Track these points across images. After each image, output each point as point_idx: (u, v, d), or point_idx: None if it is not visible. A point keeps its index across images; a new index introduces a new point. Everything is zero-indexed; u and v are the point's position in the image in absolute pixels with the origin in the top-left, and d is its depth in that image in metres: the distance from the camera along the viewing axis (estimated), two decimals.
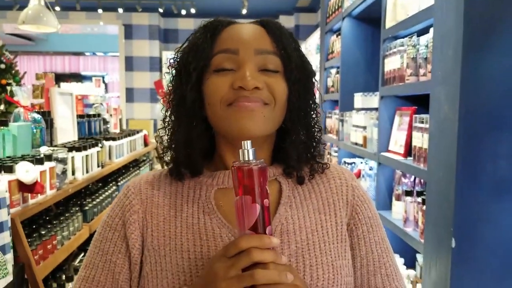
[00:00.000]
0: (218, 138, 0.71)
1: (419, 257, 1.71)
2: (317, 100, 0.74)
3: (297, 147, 0.70)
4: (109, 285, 0.67)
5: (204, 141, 0.69)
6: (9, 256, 1.21)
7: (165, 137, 0.72)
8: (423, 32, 1.62)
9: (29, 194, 1.47)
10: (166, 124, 0.71)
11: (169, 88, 0.71)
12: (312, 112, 0.72)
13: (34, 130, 1.87)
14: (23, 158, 1.54)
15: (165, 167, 0.75)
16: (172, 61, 0.72)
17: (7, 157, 1.61)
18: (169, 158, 0.72)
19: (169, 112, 0.71)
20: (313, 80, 0.73)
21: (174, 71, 0.71)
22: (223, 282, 0.53)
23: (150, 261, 0.66)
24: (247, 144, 0.56)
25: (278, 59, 0.67)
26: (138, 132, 3.23)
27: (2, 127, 1.65)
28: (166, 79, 0.74)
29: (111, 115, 3.11)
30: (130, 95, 7.62)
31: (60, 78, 9.22)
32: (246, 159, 0.56)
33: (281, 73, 0.68)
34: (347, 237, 0.71)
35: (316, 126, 0.73)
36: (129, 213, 0.68)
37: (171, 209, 0.68)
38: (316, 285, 0.65)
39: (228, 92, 0.65)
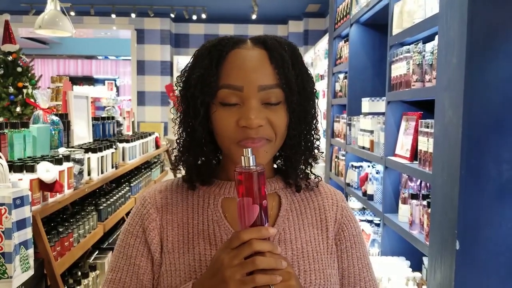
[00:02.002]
0: (226, 156, 0.77)
1: (425, 260, 1.73)
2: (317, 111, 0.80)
3: (297, 167, 0.78)
4: (134, 285, 0.74)
5: (213, 158, 0.77)
6: (31, 251, 1.27)
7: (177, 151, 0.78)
8: (428, 39, 1.66)
9: (49, 193, 1.54)
10: (178, 142, 0.77)
11: (178, 109, 0.76)
12: (313, 132, 0.78)
13: (53, 132, 1.94)
14: (43, 158, 1.60)
15: (176, 176, 0.82)
16: (179, 79, 0.76)
17: (28, 157, 1.68)
18: (182, 170, 0.78)
19: (180, 131, 0.77)
20: (314, 98, 0.77)
21: (180, 93, 0.75)
22: (228, 270, 0.60)
23: (165, 262, 0.73)
24: (248, 151, 0.62)
25: (280, 91, 0.71)
26: (150, 134, 3.29)
27: (23, 129, 1.72)
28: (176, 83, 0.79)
29: (124, 117, 3.18)
30: (142, 98, 7.73)
31: (73, 81, 9.38)
32: (247, 165, 0.62)
33: (282, 103, 0.72)
34: (335, 250, 0.79)
35: (315, 142, 0.79)
36: (148, 221, 0.75)
37: (183, 216, 0.76)
38: None
39: (235, 130, 0.70)
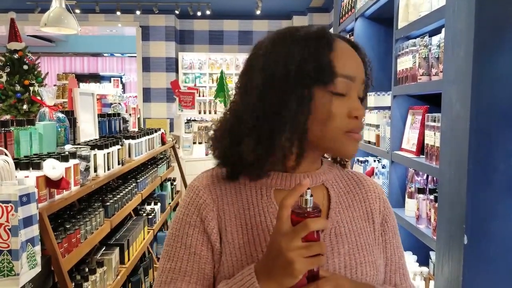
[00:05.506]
0: (309, 146, 0.74)
1: (432, 255, 1.72)
2: None
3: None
4: (195, 274, 0.73)
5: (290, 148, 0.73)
6: (38, 248, 1.28)
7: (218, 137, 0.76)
8: (435, 32, 1.64)
9: (55, 190, 1.54)
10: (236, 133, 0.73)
11: (252, 91, 0.71)
12: None
13: (59, 129, 1.95)
14: (49, 155, 1.61)
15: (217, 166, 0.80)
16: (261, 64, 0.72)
17: (34, 154, 1.69)
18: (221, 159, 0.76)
19: (252, 122, 0.71)
20: None
21: (262, 76, 0.71)
22: (293, 252, 0.61)
23: (226, 251, 0.73)
24: (308, 192, 0.63)
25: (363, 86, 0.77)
26: (156, 130, 3.30)
27: (29, 126, 1.73)
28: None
29: (130, 114, 3.19)
30: (147, 95, 7.75)
31: (79, 78, 9.43)
32: (304, 205, 0.63)
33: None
34: (380, 241, 0.82)
35: None
36: (205, 211, 0.75)
37: (239, 207, 0.76)
38: (365, 280, 0.75)
39: (344, 120, 0.71)
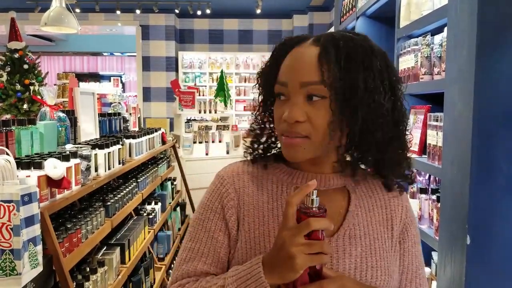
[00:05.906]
0: None
1: (435, 255, 1.72)
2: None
3: (365, 163, 0.80)
4: (211, 257, 0.79)
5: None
6: (39, 248, 1.27)
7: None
8: (437, 31, 1.64)
9: (57, 189, 1.54)
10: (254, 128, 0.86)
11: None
12: (386, 131, 0.75)
13: (60, 128, 1.95)
14: (50, 155, 1.60)
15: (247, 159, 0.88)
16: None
17: (35, 154, 1.68)
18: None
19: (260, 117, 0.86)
20: (382, 95, 0.73)
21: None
22: (294, 247, 0.63)
23: (241, 239, 0.79)
24: (314, 193, 0.65)
25: (324, 87, 0.70)
26: (156, 130, 3.29)
27: (30, 126, 1.72)
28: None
29: (130, 114, 3.19)
30: (147, 94, 7.75)
31: (79, 77, 9.41)
32: (310, 205, 0.65)
33: (330, 99, 0.71)
34: (398, 249, 0.83)
35: (397, 141, 0.78)
36: (227, 199, 0.81)
37: (259, 200, 0.81)
38: (375, 284, 0.77)
39: (279, 123, 0.76)
